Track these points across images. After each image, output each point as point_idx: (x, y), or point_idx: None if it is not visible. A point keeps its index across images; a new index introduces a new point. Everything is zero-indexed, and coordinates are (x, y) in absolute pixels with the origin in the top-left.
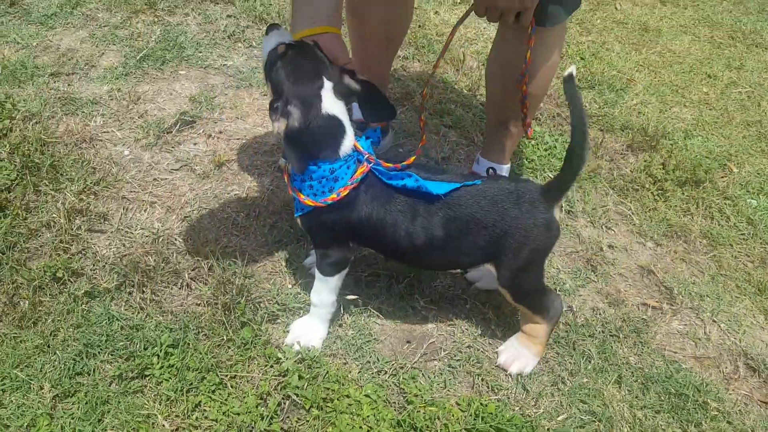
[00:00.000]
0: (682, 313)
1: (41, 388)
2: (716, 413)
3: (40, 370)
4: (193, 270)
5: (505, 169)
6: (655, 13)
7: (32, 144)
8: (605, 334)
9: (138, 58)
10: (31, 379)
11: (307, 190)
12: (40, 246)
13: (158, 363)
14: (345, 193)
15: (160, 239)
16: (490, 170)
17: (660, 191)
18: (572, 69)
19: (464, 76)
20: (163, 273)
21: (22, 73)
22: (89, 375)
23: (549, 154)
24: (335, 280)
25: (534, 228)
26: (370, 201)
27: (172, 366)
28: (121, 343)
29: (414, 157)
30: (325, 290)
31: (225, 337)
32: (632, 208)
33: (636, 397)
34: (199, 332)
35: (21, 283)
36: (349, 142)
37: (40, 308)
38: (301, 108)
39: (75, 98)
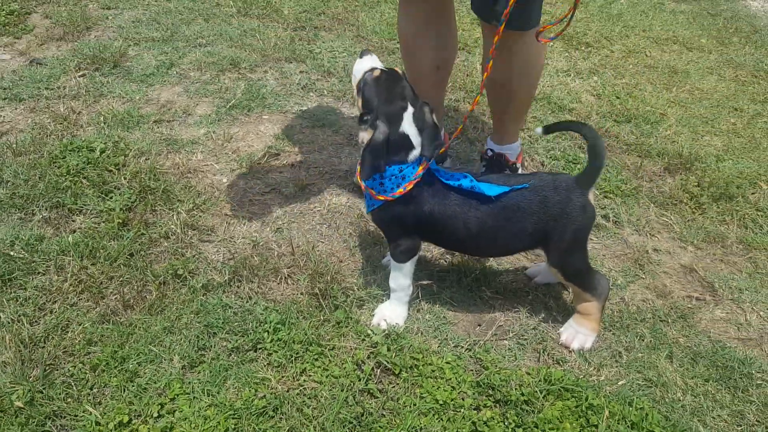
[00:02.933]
0: (723, 303)
1: (171, 360)
2: (761, 382)
3: (169, 347)
4: (289, 268)
5: (515, 147)
6: (682, 58)
7: (146, 174)
8: (655, 319)
9: (227, 107)
10: (163, 353)
11: (378, 187)
12: (161, 252)
13: (268, 338)
14: (410, 187)
15: (260, 245)
16: (489, 151)
17: (697, 205)
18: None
19: None
20: (265, 270)
21: (129, 121)
22: (211, 349)
23: None
24: (408, 266)
25: (573, 210)
26: (432, 198)
27: (281, 340)
28: (236, 324)
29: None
30: (400, 276)
31: (322, 318)
32: (672, 218)
33: (686, 369)
34: (299, 314)
35: (148, 280)
36: (415, 154)
37: (166, 299)
38: (387, 124)
39: (177, 139)
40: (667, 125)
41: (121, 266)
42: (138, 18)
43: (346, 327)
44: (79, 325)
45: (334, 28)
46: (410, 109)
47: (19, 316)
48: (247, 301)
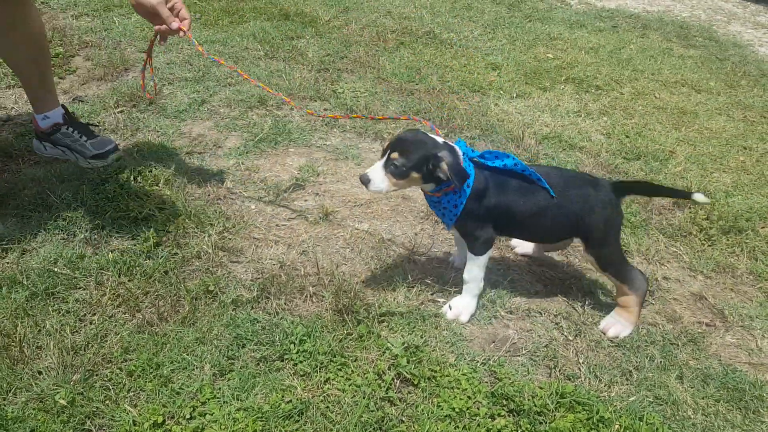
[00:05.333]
0: (734, 330)
1: (203, 368)
2: None
3: (201, 356)
4: (314, 286)
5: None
6: (690, 100)
7: (179, 200)
8: (665, 341)
9: (255, 140)
10: (195, 361)
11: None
12: (193, 271)
13: (294, 349)
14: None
15: (286, 265)
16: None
17: (706, 237)
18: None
19: (524, 150)
20: (291, 287)
21: (163, 152)
22: (240, 358)
23: None
24: (484, 259)
25: (607, 205)
26: (494, 190)
27: (306, 351)
28: (264, 336)
29: None
30: (476, 267)
31: (345, 332)
32: (682, 249)
33: (697, 390)
34: (324, 328)
35: (182, 295)
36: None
37: (198, 313)
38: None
39: (207, 169)
40: (676, 162)
41: (156, 282)
42: (172, 60)
43: (368, 340)
44: (117, 335)
45: (356, 70)
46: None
47: (62, 325)
48: (274, 316)
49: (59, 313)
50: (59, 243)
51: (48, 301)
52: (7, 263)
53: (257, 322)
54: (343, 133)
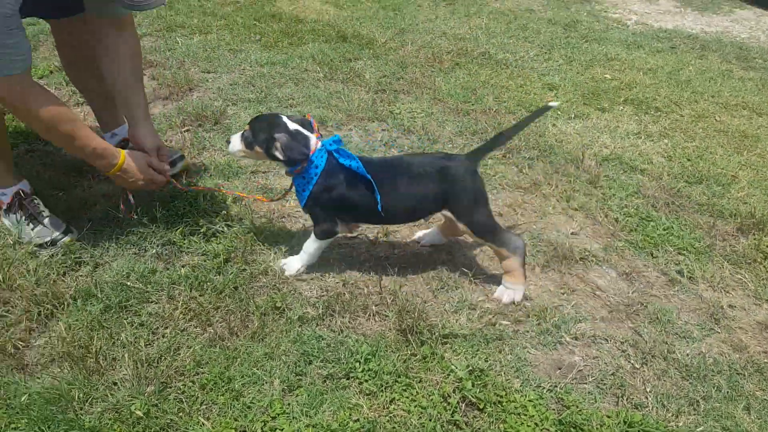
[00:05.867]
0: None
1: (272, 383)
2: None
3: (270, 371)
4: (377, 305)
5: None
6: (752, 123)
7: (246, 218)
8: (732, 371)
9: None
10: (264, 376)
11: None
12: (260, 287)
13: (360, 367)
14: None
15: (349, 283)
16: None
17: None
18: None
19: (584, 172)
20: (354, 306)
21: (228, 171)
22: (307, 375)
23: (668, 233)
24: (324, 243)
25: (466, 174)
26: (344, 183)
27: (371, 370)
28: (329, 353)
29: None
30: (314, 246)
31: (409, 352)
32: (747, 276)
33: (764, 421)
34: (388, 348)
35: (251, 311)
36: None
37: (266, 328)
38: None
39: (271, 188)
40: (739, 187)
41: (227, 297)
42: (235, 81)
43: (432, 362)
44: (189, 348)
45: (412, 91)
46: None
47: (136, 338)
48: (339, 334)
49: (132, 325)
50: (131, 257)
51: (121, 314)
52: (81, 276)
53: (322, 339)
54: (401, 152)
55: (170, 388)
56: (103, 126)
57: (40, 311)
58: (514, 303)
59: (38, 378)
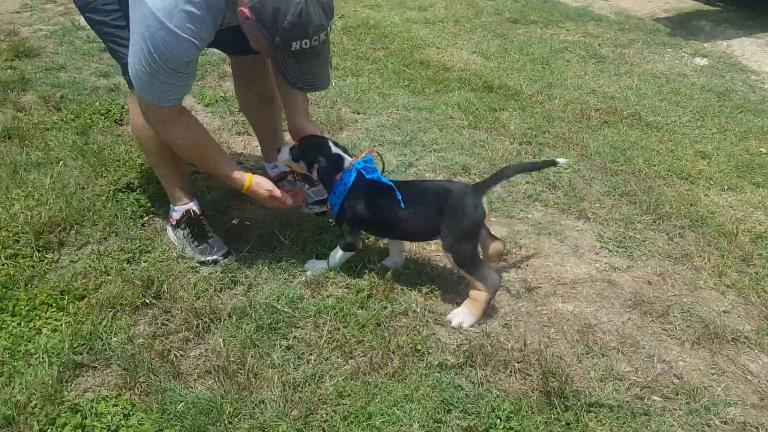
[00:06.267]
0: None
1: (411, 426)
2: None
3: (409, 413)
4: (519, 362)
5: None
6: None
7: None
8: None
9: None
10: (404, 418)
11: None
12: (401, 326)
13: (501, 424)
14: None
15: (491, 335)
16: None
17: None
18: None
19: (737, 248)
20: (496, 360)
21: None
22: (447, 424)
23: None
24: (346, 255)
25: (462, 207)
26: (366, 199)
27: (512, 429)
28: (469, 404)
29: None
30: (338, 256)
31: (552, 416)
32: None
33: None
34: (530, 408)
35: (393, 349)
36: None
37: (406, 369)
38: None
39: None
40: None
41: (369, 333)
42: (383, 123)
43: (576, 429)
44: (332, 378)
45: (558, 145)
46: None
47: (284, 360)
48: (478, 386)
49: (280, 348)
50: (281, 282)
51: (271, 335)
52: (236, 294)
53: (462, 389)
54: (545, 207)
55: (314, 415)
56: (266, 157)
57: (198, 324)
58: (460, 328)
59: (192, 387)
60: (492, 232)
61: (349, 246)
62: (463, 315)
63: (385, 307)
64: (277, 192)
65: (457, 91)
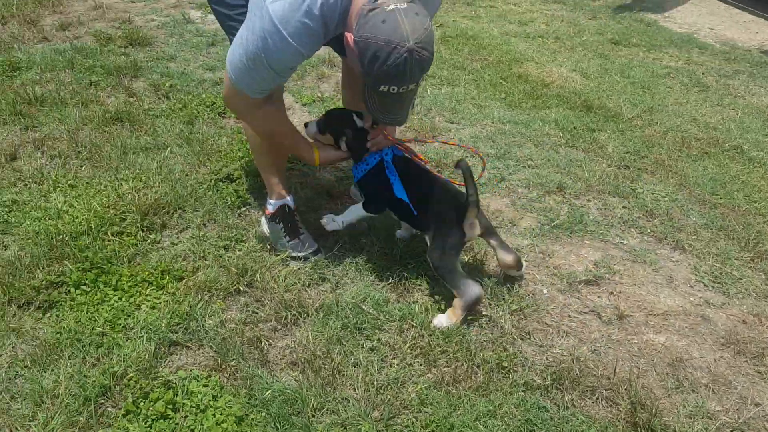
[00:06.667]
0: None
1: None
2: None
3: (491, 429)
4: (607, 390)
5: None
6: None
7: (475, 267)
8: None
9: (551, 225)
10: None
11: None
12: (486, 341)
13: None
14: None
15: (579, 360)
16: None
17: None
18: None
19: None
20: (584, 386)
21: None
22: None
23: None
24: (367, 213)
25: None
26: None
27: None
28: (553, 427)
29: None
30: (360, 210)
31: None
32: None
33: None
34: None
35: (478, 363)
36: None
37: (491, 385)
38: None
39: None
40: None
41: (454, 344)
42: (476, 134)
43: None
44: (414, 384)
45: (656, 172)
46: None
47: (368, 361)
48: (564, 409)
49: (364, 348)
50: (368, 283)
51: (356, 334)
52: (323, 290)
53: (546, 410)
54: (641, 235)
55: (395, 418)
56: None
57: (287, 315)
58: (437, 327)
59: (278, 377)
60: (507, 244)
61: (374, 210)
62: (441, 318)
63: (471, 320)
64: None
65: (555, 107)
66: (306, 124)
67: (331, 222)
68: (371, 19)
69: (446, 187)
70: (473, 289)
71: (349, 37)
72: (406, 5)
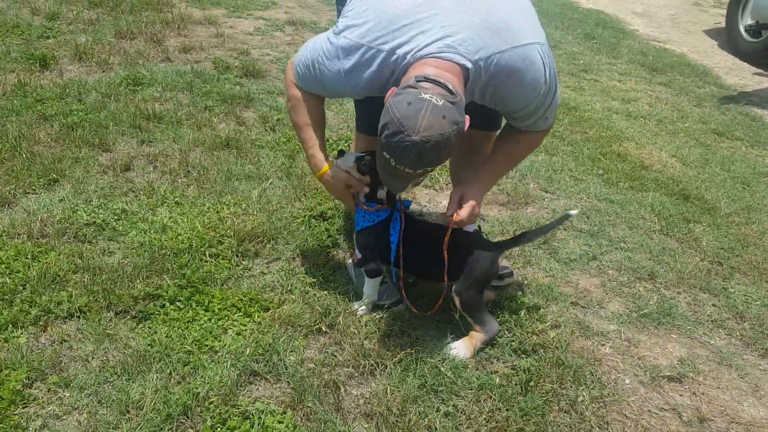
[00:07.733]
0: None
1: None
2: None
3: None
4: None
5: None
6: None
7: (559, 347)
8: None
9: (639, 313)
10: None
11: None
12: (561, 425)
13: None
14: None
15: None
16: None
17: None
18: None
19: None
20: None
21: (549, 294)
22: None
23: None
24: (372, 281)
25: (480, 260)
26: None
27: None
28: None
29: None
30: (367, 286)
31: None
32: None
33: None
34: None
35: None
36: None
37: None
38: None
39: (588, 326)
40: None
41: (532, 424)
42: (570, 207)
43: None
44: None
45: (750, 273)
46: None
47: (443, 427)
48: None
49: (440, 412)
50: (448, 345)
51: (432, 396)
52: (402, 344)
53: None
54: (729, 336)
55: None
56: (454, 182)
57: (365, 364)
58: (454, 359)
59: (350, 426)
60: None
61: (373, 272)
62: (461, 348)
63: (549, 401)
64: (352, 181)
65: (652, 191)
66: (340, 152)
67: (361, 308)
68: (404, 95)
69: (463, 234)
70: (495, 325)
71: (390, 91)
72: (441, 103)
